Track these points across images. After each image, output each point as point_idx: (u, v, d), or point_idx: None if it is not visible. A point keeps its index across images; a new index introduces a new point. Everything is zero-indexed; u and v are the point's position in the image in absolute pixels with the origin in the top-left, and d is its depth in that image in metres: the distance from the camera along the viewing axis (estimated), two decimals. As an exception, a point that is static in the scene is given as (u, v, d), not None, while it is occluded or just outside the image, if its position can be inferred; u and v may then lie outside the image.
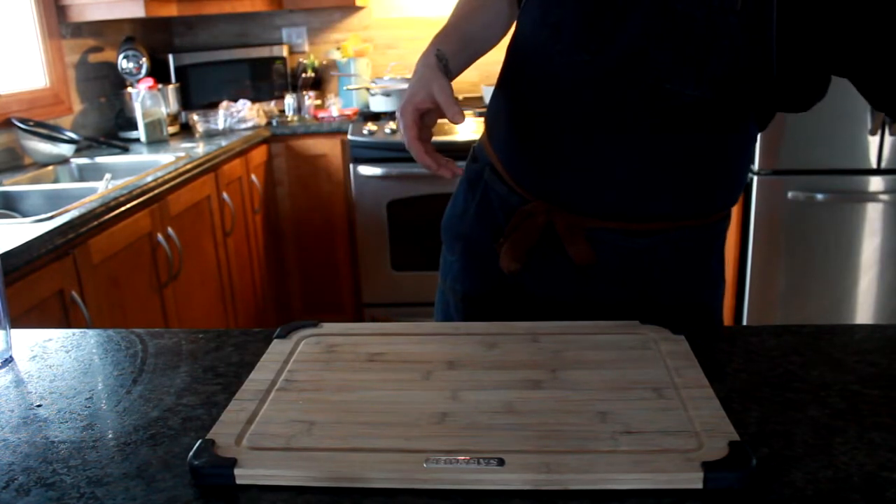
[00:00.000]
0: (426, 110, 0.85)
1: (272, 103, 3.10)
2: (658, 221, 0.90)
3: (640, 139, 0.85)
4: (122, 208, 1.79)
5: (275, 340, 0.79)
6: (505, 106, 0.96)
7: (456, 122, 0.81)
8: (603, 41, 0.82)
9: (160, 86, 2.75)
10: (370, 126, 2.76)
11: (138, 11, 2.56)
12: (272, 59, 3.15)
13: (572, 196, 0.89)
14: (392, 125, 2.75)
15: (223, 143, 2.53)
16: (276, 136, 2.87)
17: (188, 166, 2.18)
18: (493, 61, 1.03)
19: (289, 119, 3.02)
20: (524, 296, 0.95)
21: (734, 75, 0.80)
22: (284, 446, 0.59)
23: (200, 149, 2.44)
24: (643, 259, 0.91)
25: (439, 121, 0.87)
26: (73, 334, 0.86)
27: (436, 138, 0.88)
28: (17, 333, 0.85)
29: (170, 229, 2.02)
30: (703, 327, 0.84)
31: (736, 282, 2.63)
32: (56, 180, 2.27)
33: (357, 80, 3.13)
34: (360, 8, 3.23)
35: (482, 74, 3.17)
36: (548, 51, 0.87)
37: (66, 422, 0.66)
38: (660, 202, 0.89)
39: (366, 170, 2.76)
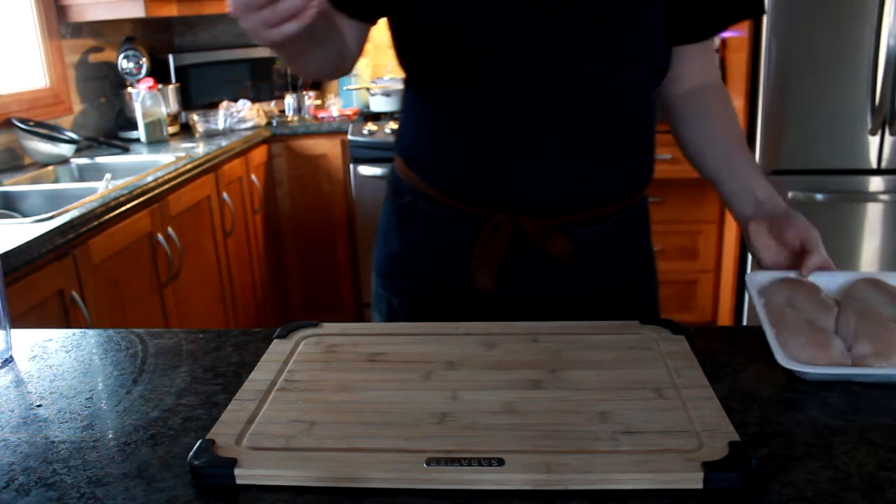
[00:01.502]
0: None
1: (272, 103, 3.10)
2: (608, 206, 0.93)
3: (582, 131, 0.88)
4: (122, 208, 1.79)
5: (275, 340, 0.79)
6: (427, 132, 0.95)
7: None
8: (535, 44, 0.84)
9: (160, 86, 2.75)
10: (370, 126, 2.76)
11: (138, 11, 2.56)
12: (272, 59, 3.14)
13: (531, 200, 0.90)
14: (393, 125, 2.74)
15: (223, 143, 2.53)
16: (276, 137, 2.87)
17: (188, 166, 2.18)
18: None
19: (289, 119, 3.02)
20: (493, 301, 0.94)
21: (647, 51, 0.89)
22: (284, 446, 0.59)
23: (200, 149, 2.44)
24: (604, 245, 0.94)
25: None
26: (73, 334, 0.86)
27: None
28: (17, 333, 0.85)
29: (170, 229, 2.02)
30: (704, 327, 0.84)
31: (736, 282, 2.63)
32: (56, 180, 2.27)
33: (357, 79, 3.13)
34: (360, 8, 3.23)
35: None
36: (475, 69, 0.87)
37: (66, 422, 0.66)
38: (609, 186, 0.93)
39: (366, 170, 2.76)
